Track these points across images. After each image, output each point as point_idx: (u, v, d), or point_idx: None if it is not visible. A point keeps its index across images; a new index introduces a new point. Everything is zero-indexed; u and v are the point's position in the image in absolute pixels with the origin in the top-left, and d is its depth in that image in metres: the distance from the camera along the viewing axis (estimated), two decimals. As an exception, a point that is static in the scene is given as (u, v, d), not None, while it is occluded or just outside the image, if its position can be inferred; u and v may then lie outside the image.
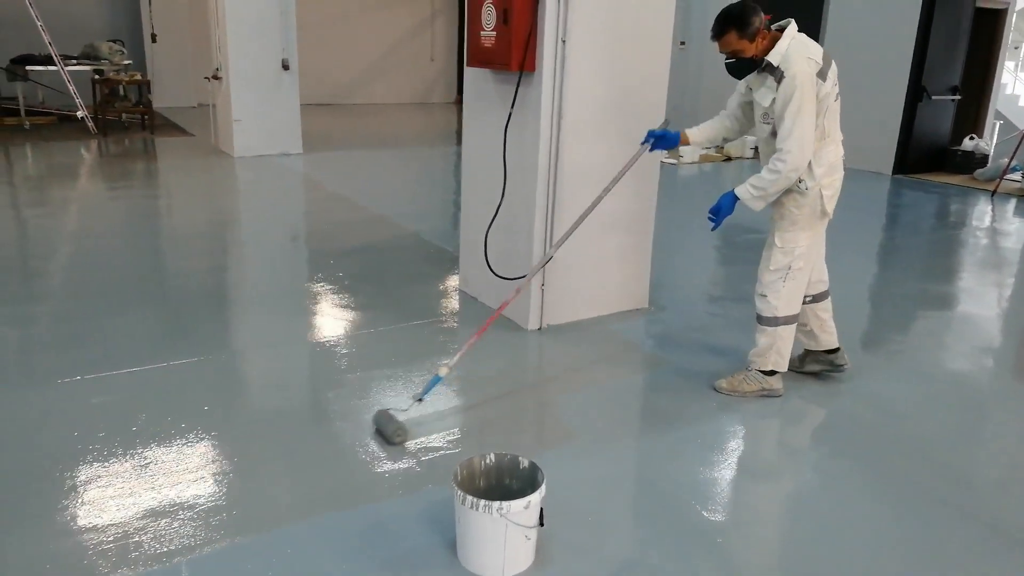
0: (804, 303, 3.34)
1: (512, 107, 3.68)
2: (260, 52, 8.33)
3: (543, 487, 2.17)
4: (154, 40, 11.57)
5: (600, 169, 3.76)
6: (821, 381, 3.50)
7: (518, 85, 3.62)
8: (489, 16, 3.59)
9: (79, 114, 9.81)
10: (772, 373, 3.30)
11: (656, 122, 3.73)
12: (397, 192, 7.73)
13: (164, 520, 2.34)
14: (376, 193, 7.45)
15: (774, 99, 3.00)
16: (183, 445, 2.77)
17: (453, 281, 4.68)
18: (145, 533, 2.28)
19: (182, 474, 2.59)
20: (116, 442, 2.76)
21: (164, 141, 9.73)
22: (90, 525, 2.30)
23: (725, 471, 2.79)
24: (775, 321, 3.22)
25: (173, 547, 2.22)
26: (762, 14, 2.99)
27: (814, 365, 3.51)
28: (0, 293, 4.33)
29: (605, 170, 3.77)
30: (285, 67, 8.52)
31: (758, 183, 3.05)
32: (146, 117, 10.25)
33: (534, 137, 3.65)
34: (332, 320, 4.15)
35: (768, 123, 3.09)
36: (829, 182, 3.11)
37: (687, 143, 3.44)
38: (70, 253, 5.18)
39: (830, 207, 3.14)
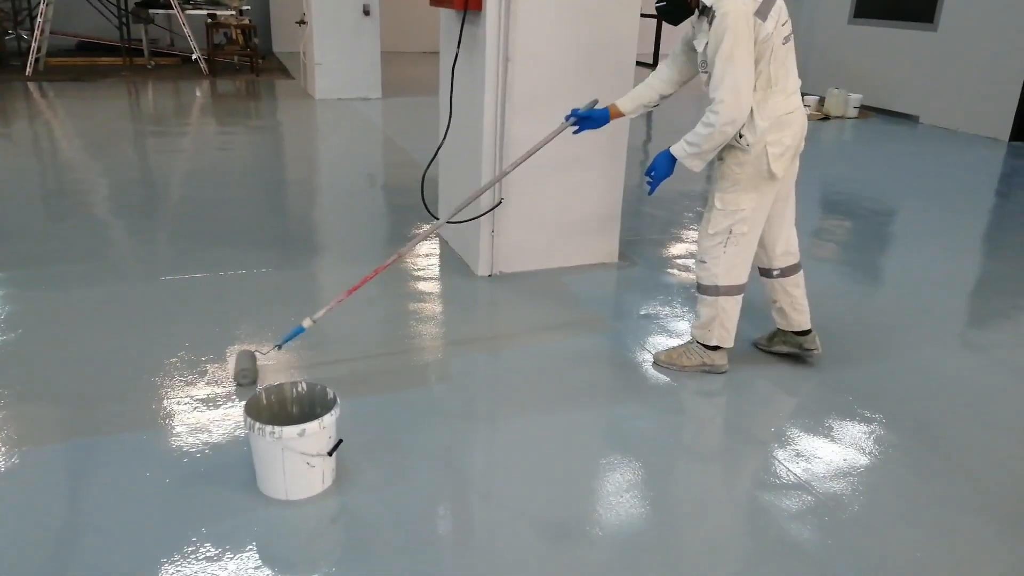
0: (772, 277, 3.10)
1: (458, 46, 3.63)
2: (342, -2, 8.58)
3: (325, 418, 2.22)
4: (269, -14, 12.20)
5: (552, 112, 3.65)
6: (792, 363, 3.22)
7: (463, 23, 3.56)
8: (439, -46, 3.53)
9: (194, 56, 10.55)
10: (716, 348, 3.08)
11: (618, 80, 3.56)
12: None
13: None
14: (426, 138, 7.56)
15: (707, 43, 2.72)
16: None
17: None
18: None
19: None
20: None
21: (265, 83, 10.30)
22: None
23: (611, 456, 2.63)
24: (716, 290, 2.97)
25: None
26: None
27: (782, 346, 3.25)
28: (126, 207, 5.03)
29: (558, 113, 3.66)
30: (366, 12, 8.73)
31: (692, 139, 2.78)
32: (252, 60, 10.84)
33: (480, 77, 3.59)
34: (266, 253, 4.33)
35: (706, 71, 2.77)
36: (776, 138, 2.75)
37: (620, 115, 3.17)
38: (144, 181, 5.71)
39: (777, 167, 2.78)
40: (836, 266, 4.44)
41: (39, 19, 9.84)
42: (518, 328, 3.46)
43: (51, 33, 10.29)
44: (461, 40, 3.66)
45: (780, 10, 2.69)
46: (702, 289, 3.03)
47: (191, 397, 2.76)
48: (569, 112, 3.21)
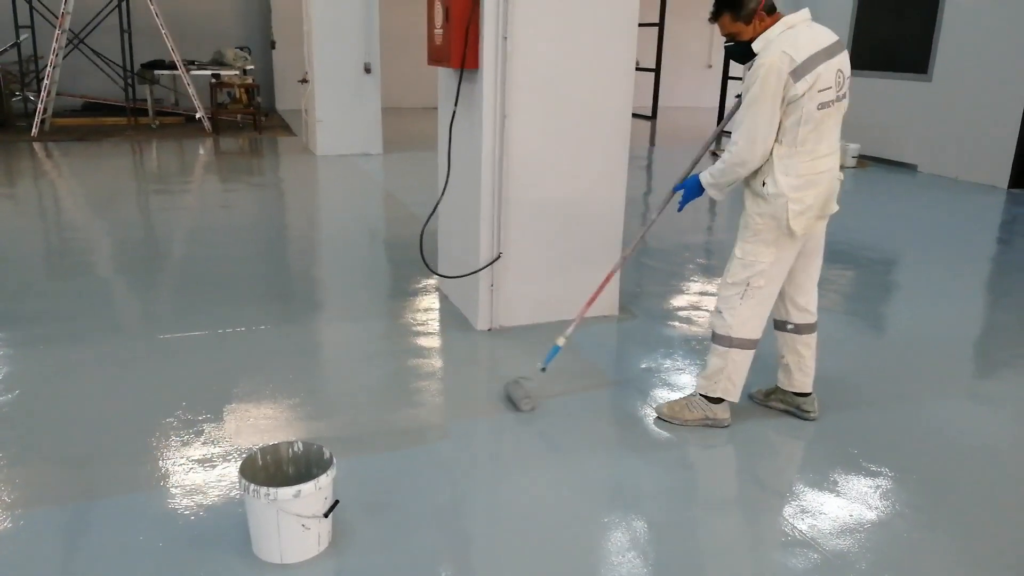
0: (785, 330, 3.08)
1: (456, 104, 3.69)
2: (343, 56, 8.76)
3: (321, 478, 2.18)
4: (273, 47, 12.42)
5: (551, 167, 3.71)
6: (795, 417, 3.17)
7: (460, 81, 3.62)
8: (438, 14, 3.61)
9: (197, 115, 10.72)
10: (719, 401, 3.04)
11: (615, 133, 3.63)
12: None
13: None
14: (426, 193, 7.64)
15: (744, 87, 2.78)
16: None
17: (433, 280, 4.74)
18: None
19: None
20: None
21: (267, 140, 10.44)
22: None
23: (613, 514, 2.60)
24: (728, 341, 2.93)
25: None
26: None
27: (779, 404, 3.20)
28: (127, 264, 5.07)
29: (556, 167, 3.72)
30: (367, 70, 8.89)
31: (713, 170, 2.88)
32: (255, 118, 11.01)
33: (478, 134, 3.63)
34: (287, 308, 4.33)
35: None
36: (798, 196, 2.72)
37: None
38: (148, 237, 5.75)
39: (796, 224, 2.74)
40: (839, 316, 4.42)
41: (46, 81, 10.04)
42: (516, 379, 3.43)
43: (57, 94, 10.48)
44: (459, 97, 3.71)
45: (820, 77, 2.66)
46: (715, 338, 3.00)
47: (187, 458, 2.72)
48: (675, 185, 3.12)
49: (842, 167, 2.98)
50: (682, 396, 3.21)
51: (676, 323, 4.21)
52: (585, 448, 2.90)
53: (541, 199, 3.77)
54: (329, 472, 2.21)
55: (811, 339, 3.07)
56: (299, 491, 2.12)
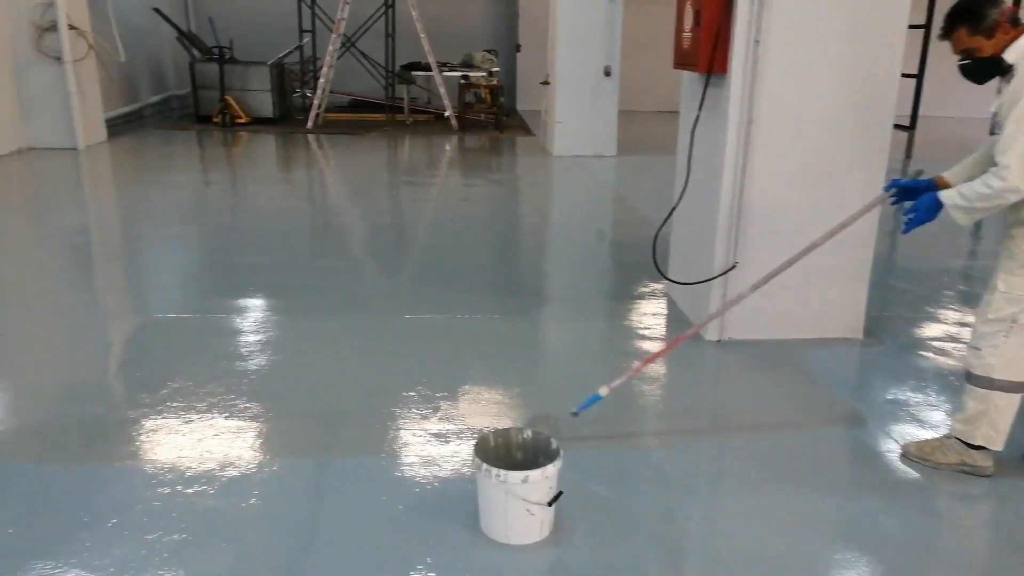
0: None
1: (700, 109, 3.62)
2: (585, 59, 8.92)
3: (548, 468, 2.25)
4: (518, 50, 12.95)
5: (794, 179, 3.53)
6: None
7: (705, 87, 3.55)
8: (688, 17, 3.57)
9: (446, 113, 11.46)
10: (980, 448, 2.72)
11: (871, 145, 3.36)
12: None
13: (289, 429, 2.92)
14: (658, 196, 7.57)
15: (1003, 103, 2.49)
16: (342, 379, 3.37)
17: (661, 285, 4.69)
18: (271, 435, 2.88)
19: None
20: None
21: (507, 139, 10.92)
22: (242, 421, 2.99)
23: (844, 552, 2.45)
24: (989, 383, 2.64)
25: (281, 450, 2.79)
26: (1003, 4, 2.49)
27: None
28: (377, 247, 5.56)
29: (804, 178, 3.54)
30: (607, 74, 8.99)
31: (967, 192, 2.52)
32: (498, 118, 11.54)
33: (721, 139, 3.54)
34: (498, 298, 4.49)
35: (996, 133, 2.54)
36: None
37: (947, 187, 2.71)
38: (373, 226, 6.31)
39: None
40: None
41: (322, 80, 11.23)
42: (746, 400, 3.30)
43: (330, 92, 11.68)
44: (703, 102, 3.64)
45: None
46: (972, 379, 2.70)
47: (425, 431, 2.94)
48: (889, 183, 2.92)
49: None
50: (935, 436, 2.91)
51: (930, 353, 3.83)
52: (816, 480, 2.73)
53: (785, 210, 3.60)
54: (556, 463, 2.28)
55: None
56: (527, 477, 2.21)
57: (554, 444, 2.38)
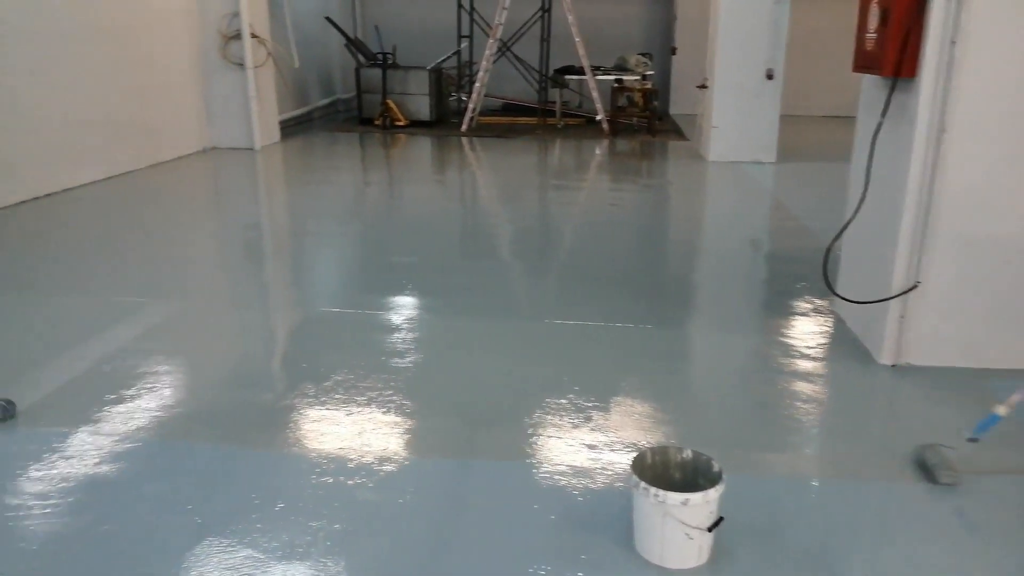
0: None
1: (883, 116, 3.35)
2: (746, 62, 8.59)
3: (710, 492, 2.15)
4: (673, 53, 12.68)
5: (999, 193, 3.21)
6: None
7: (891, 92, 3.29)
8: (873, 17, 3.32)
9: (598, 117, 11.40)
10: None
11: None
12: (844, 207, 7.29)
13: (444, 429, 2.98)
14: (822, 206, 7.17)
15: None
16: (494, 382, 3.39)
17: (824, 300, 4.40)
18: (426, 433, 2.94)
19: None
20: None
21: (659, 144, 10.71)
22: (399, 417, 3.07)
23: None
24: None
25: (436, 449, 2.84)
26: None
27: None
28: (524, 250, 5.60)
29: (1007, 194, 3.21)
30: (769, 76, 8.62)
31: None
32: (651, 122, 11.35)
33: (906, 149, 3.27)
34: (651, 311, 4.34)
35: None
36: None
37: None
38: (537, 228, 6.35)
39: None
40: None
41: (477, 84, 11.48)
42: (925, 436, 3.02)
43: (484, 95, 11.92)
44: (887, 108, 3.38)
45: None
46: None
47: (576, 440, 2.90)
48: None
49: None
50: None
51: None
52: (1019, 538, 2.45)
53: (980, 228, 3.28)
54: (718, 487, 2.18)
55: None
56: (687, 500, 2.12)
57: (716, 466, 2.28)
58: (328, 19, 12.08)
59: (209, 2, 9.08)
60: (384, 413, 3.08)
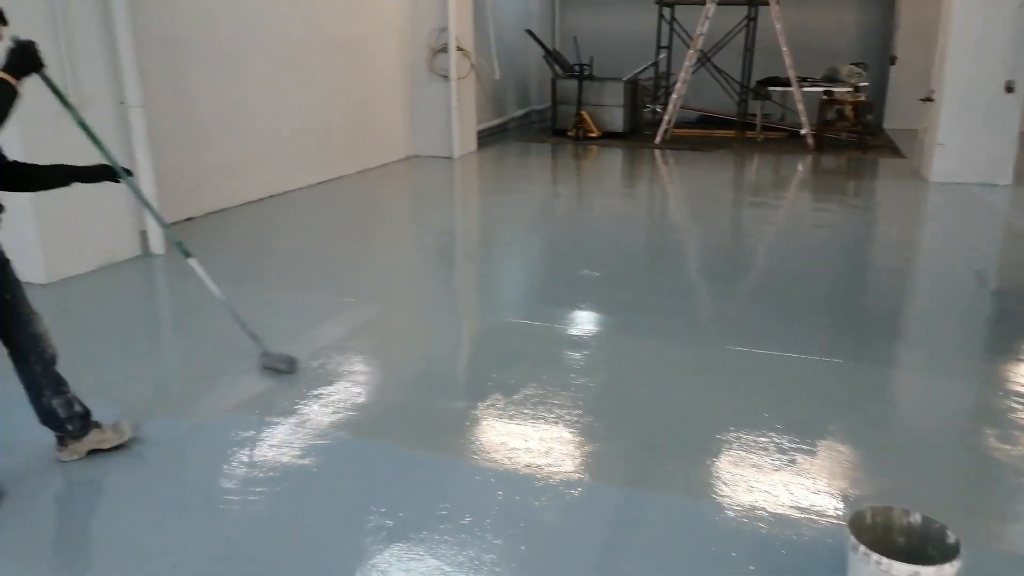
0: None
1: None
2: (981, 73, 7.71)
3: (946, 568, 1.88)
4: (892, 63, 11.67)
5: None
6: None
7: None
8: None
9: (802, 131, 10.75)
10: None
11: None
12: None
13: (633, 456, 2.85)
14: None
15: None
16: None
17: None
18: (614, 459, 2.84)
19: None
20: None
21: (870, 161, 9.90)
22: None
23: None
24: None
25: (624, 477, 2.72)
26: None
27: None
28: (711, 270, 5.50)
29: None
30: (1009, 89, 7.68)
31: None
32: (862, 137, 10.54)
33: None
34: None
35: None
36: None
37: None
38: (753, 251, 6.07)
39: None
40: None
41: (674, 95, 11.22)
42: None
43: (680, 107, 11.62)
44: None
45: None
46: None
47: (776, 483, 2.67)
48: None
49: None
50: None
51: None
52: None
53: None
54: (954, 561, 1.89)
55: None
56: (917, 573, 1.86)
57: (952, 537, 1.99)
58: (528, 32, 12.32)
59: (421, 17, 9.54)
60: (572, 433, 3.01)
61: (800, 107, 10.65)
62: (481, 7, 10.64)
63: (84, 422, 2.77)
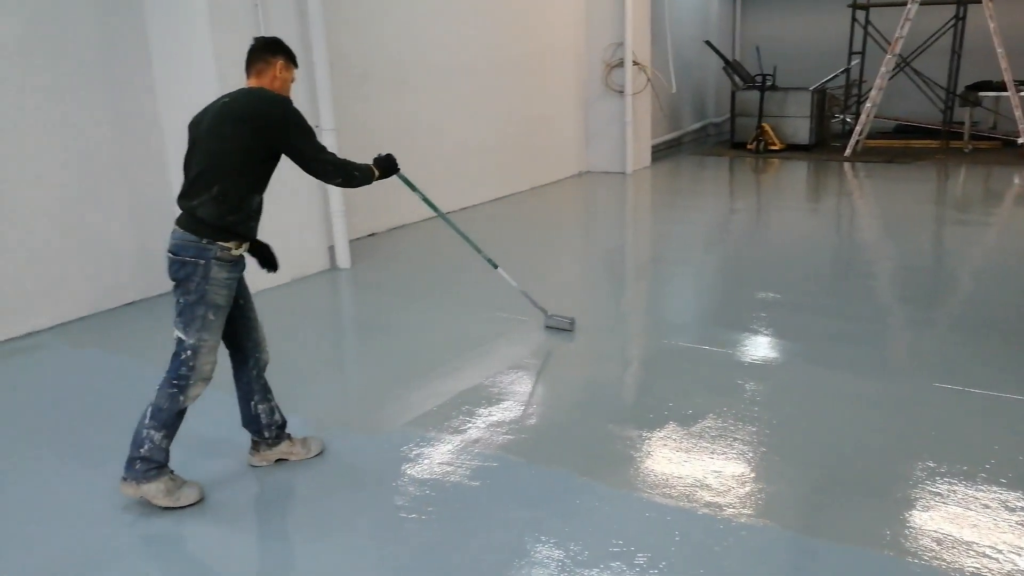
0: None
1: None
2: None
3: None
4: None
5: None
6: None
7: None
8: None
9: (1020, 140, 9.65)
10: None
11: None
12: None
13: (825, 503, 2.59)
14: None
15: None
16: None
17: None
18: (803, 505, 2.59)
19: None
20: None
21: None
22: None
23: None
24: None
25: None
26: None
27: None
28: (905, 296, 5.08)
29: None
30: None
31: None
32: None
33: None
34: None
35: None
36: None
37: None
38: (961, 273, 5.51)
39: None
40: None
41: (868, 104, 10.44)
42: None
43: (874, 117, 10.80)
44: None
45: None
46: None
47: (998, 542, 2.32)
48: None
49: None
50: None
51: None
52: None
53: None
54: None
55: None
56: None
57: None
58: (707, 43, 11.96)
59: (597, 33, 9.52)
60: (755, 472, 2.80)
61: (1017, 113, 9.59)
62: (659, 20, 10.46)
63: (279, 432, 2.93)
